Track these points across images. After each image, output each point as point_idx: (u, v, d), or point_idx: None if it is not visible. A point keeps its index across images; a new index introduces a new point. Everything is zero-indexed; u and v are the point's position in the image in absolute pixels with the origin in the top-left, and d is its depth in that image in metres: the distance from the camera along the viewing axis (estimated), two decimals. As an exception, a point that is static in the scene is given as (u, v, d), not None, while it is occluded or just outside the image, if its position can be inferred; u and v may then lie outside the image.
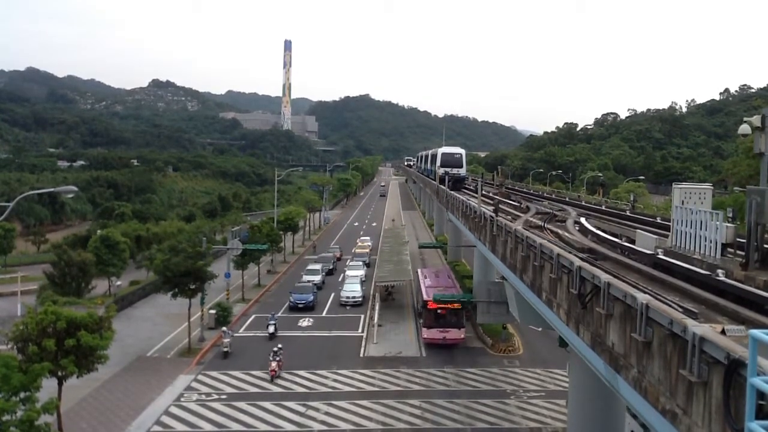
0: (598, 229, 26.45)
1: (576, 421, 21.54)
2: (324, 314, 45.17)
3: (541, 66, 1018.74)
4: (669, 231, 18.95)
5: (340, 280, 55.20)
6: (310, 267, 56.58)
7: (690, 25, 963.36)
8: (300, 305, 45.26)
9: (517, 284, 24.73)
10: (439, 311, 37.02)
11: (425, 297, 38.54)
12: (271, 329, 39.53)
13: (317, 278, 53.32)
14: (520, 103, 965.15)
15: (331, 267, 60.68)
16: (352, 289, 48.82)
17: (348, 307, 47.09)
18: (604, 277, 13.65)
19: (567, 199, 54.17)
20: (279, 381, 31.78)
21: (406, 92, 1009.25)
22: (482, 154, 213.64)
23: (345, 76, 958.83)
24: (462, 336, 37.38)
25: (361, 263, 60.24)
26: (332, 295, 50.15)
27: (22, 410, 17.82)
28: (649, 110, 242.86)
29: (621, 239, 23.28)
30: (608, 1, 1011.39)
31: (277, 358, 32.56)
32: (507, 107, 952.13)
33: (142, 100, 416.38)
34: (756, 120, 14.04)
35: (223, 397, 29.68)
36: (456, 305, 37.03)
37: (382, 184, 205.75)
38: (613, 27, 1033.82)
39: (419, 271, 47.81)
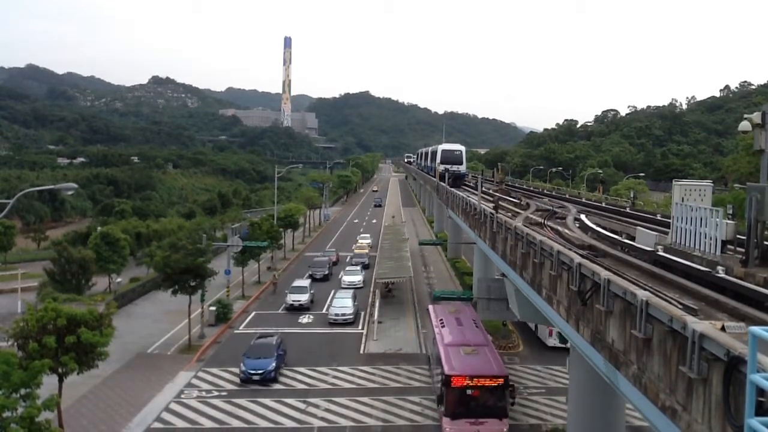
0: (598, 226, 26.46)
1: (576, 418, 21.57)
2: (324, 311, 45.09)
3: (541, 63, 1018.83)
4: (669, 228, 18.96)
5: (340, 277, 54.95)
6: (296, 284, 47.75)
7: (690, 22, 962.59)
8: (255, 377, 30.57)
9: (517, 281, 24.73)
10: (469, 392, 24.46)
11: (446, 369, 25.04)
12: None
13: (304, 298, 45.34)
14: (521, 100, 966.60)
15: (326, 272, 56.33)
16: (342, 305, 42.58)
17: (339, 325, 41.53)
18: (604, 274, 13.65)
19: (567, 196, 54.14)
20: (280, 378, 31.76)
21: (406, 89, 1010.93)
22: (482, 151, 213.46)
23: (345, 72, 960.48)
24: (505, 430, 24.56)
25: (358, 268, 56.75)
26: (331, 292, 49.95)
27: (22, 407, 17.80)
28: (649, 107, 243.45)
29: (621, 236, 23.29)
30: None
31: None
32: (507, 104, 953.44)
33: (142, 97, 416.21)
34: (756, 117, 14.03)
35: (224, 393, 29.69)
36: (497, 381, 24.47)
37: (374, 188, 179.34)
38: (613, 24, 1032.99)
39: (431, 309, 34.71)
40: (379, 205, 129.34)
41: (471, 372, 24.69)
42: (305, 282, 48.85)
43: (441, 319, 31.33)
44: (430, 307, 35.27)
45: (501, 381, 24.40)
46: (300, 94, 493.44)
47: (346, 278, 53.05)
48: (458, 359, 25.80)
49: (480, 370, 24.94)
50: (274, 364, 31.04)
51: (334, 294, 46.59)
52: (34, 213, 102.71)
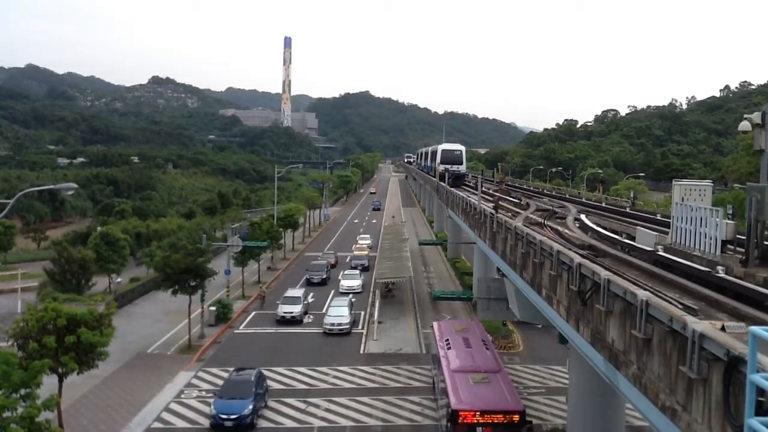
0: (598, 226, 26.48)
1: (576, 418, 21.56)
2: (323, 311, 45.01)
3: (541, 63, 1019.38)
4: (669, 228, 18.96)
5: (339, 278, 54.80)
6: (288, 294, 44.66)
7: (690, 22, 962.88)
8: (227, 423, 25.38)
9: (517, 281, 24.73)
10: (479, 429, 20.99)
11: (453, 402, 21.72)
12: None
13: (297, 309, 42.06)
14: (521, 100, 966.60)
15: (324, 276, 54.56)
16: (338, 313, 40.24)
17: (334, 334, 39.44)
18: (604, 273, 13.66)
19: (567, 196, 54.18)
20: (279, 377, 31.77)
21: (406, 89, 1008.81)
22: (482, 151, 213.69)
23: (345, 72, 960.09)
24: None
25: (357, 271, 55.19)
26: (329, 296, 50.00)
27: (22, 407, 17.80)
28: (649, 107, 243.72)
29: (621, 236, 23.30)
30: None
31: None
32: (507, 104, 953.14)
33: (141, 97, 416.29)
34: (756, 117, 14.04)
35: (224, 393, 29.61)
36: (513, 417, 20.93)
37: (372, 190, 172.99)
38: (613, 24, 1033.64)
39: (435, 326, 31.35)
40: (378, 209, 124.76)
41: (482, 406, 21.17)
42: (298, 292, 45.60)
43: (446, 339, 27.92)
44: (435, 324, 32.07)
45: (517, 417, 20.88)
46: (300, 94, 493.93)
47: (344, 282, 51.25)
48: (467, 390, 22.38)
49: (493, 403, 21.51)
50: (251, 407, 25.81)
51: (331, 300, 45.39)
52: (34, 213, 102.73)
